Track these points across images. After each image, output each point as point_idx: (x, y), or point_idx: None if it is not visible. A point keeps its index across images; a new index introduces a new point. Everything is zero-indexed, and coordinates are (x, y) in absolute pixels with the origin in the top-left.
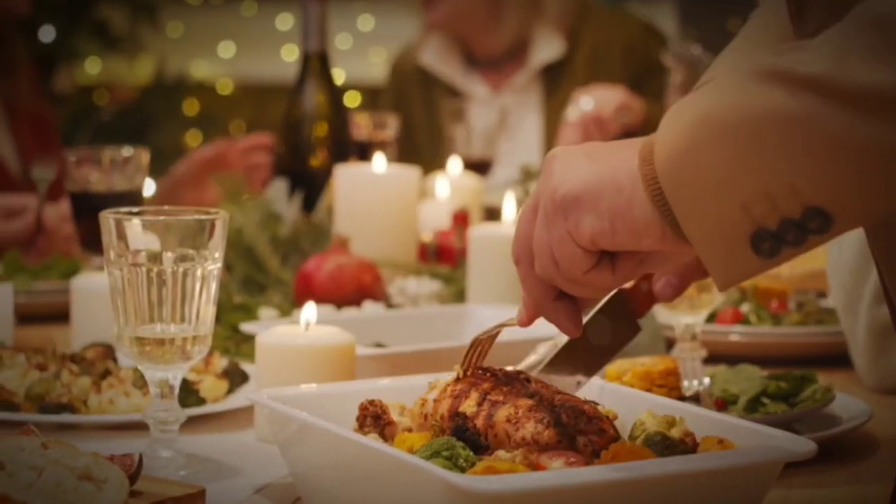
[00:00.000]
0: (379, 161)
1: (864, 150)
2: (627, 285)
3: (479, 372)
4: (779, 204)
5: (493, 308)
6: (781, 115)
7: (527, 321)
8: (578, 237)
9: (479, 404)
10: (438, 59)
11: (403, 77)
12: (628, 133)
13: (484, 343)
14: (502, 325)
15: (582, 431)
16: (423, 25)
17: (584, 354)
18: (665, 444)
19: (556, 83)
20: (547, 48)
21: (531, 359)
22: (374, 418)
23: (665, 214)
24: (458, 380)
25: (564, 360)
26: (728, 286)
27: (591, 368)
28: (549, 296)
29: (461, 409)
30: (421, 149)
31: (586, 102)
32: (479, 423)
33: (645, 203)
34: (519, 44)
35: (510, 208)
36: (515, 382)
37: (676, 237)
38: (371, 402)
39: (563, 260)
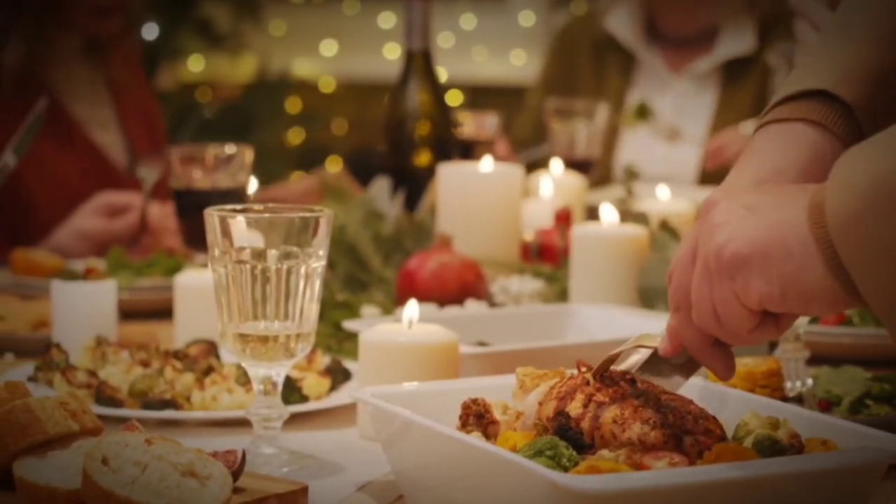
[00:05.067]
0: (487, 162)
1: None
2: None
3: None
4: None
5: (595, 308)
6: None
7: (671, 353)
8: (746, 300)
9: (585, 406)
10: (623, 27)
11: (573, 45)
12: None
13: (613, 357)
14: (641, 345)
15: (689, 431)
16: None
17: (660, 376)
18: (774, 447)
19: (738, 79)
20: (735, 42)
21: (634, 358)
22: (476, 417)
23: (842, 280)
24: (586, 384)
25: (656, 363)
26: None
27: (687, 370)
28: (705, 342)
29: (566, 410)
30: None
31: None
32: (586, 424)
33: (818, 269)
34: (710, 28)
35: (609, 213)
36: (621, 383)
37: (849, 299)
38: (474, 401)
39: (727, 319)
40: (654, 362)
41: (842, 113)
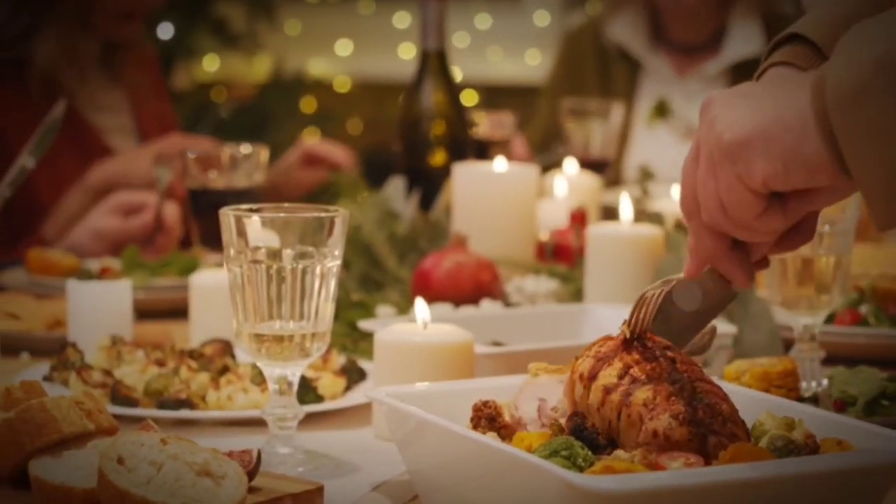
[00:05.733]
0: (501, 162)
1: None
2: None
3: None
4: None
5: (610, 307)
6: None
7: (694, 271)
8: (750, 181)
9: (620, 377)
10: (628, 34)
11: (578, 53)
12: None
13: (650, 302)
14: (668, 280)
15: (715, 432)
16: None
17: (675, 322)
18: (789, 447)
19: (747, 80)
20: (743, 44)
21: None
22: (488, 419)
23: (835, 155)
24: (624, 340)
25: (656, 327)
26: (888, 227)
27: (683, 337)
28: (722, 247)
29: (599, 379)
30: None
31: None
32: (616, 397)
33: (815, 139)
34: (718, 31)
35: (627, 208)
36: (662, 359)
37: (841, 175)
38: (485, 404)
39: (733, 206)
40: (666, 313)
41: (811, 53)
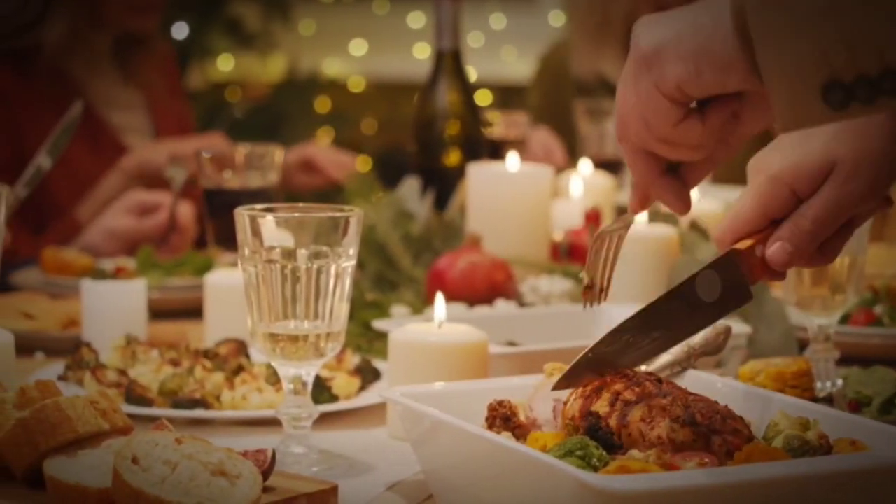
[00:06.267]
0: (513, 160)
1: None
2: (742, 245)
3: (611, 374)
4: (858, 59)
5: (624, 307)
6: None
7: (638, 206)
8: (664, 86)
9: (612, 405)
10: (611, 68)
11: (557, 71)
12: None
13: (610, 245)
14: (622, 219)
15: (717, 431)
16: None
17: (686, 310)
18: (804, 448)
19: None
20: None
21: (664, 359)
22: (503, 419)
23: (746, 47)
24: (586, 288)
25: (665, 312)
26: (790, 129)
27: (692, 326)
28: (654, 170)
29: (593, 408)
30: None
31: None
32: (613, 422)
33: (728, 36)
34: None
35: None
36: (646, 383)
37: (753, 74)
38: (500, 403)
39: (652, 116)
40: (657, 312)
41: None
